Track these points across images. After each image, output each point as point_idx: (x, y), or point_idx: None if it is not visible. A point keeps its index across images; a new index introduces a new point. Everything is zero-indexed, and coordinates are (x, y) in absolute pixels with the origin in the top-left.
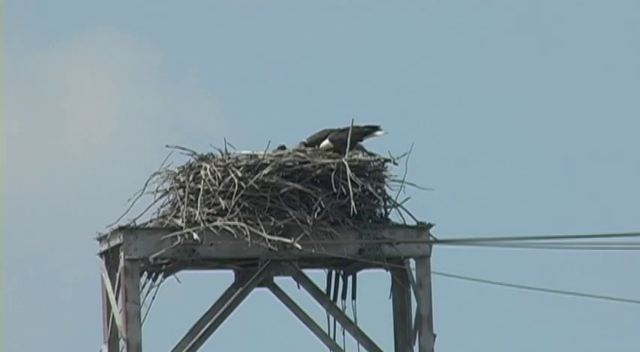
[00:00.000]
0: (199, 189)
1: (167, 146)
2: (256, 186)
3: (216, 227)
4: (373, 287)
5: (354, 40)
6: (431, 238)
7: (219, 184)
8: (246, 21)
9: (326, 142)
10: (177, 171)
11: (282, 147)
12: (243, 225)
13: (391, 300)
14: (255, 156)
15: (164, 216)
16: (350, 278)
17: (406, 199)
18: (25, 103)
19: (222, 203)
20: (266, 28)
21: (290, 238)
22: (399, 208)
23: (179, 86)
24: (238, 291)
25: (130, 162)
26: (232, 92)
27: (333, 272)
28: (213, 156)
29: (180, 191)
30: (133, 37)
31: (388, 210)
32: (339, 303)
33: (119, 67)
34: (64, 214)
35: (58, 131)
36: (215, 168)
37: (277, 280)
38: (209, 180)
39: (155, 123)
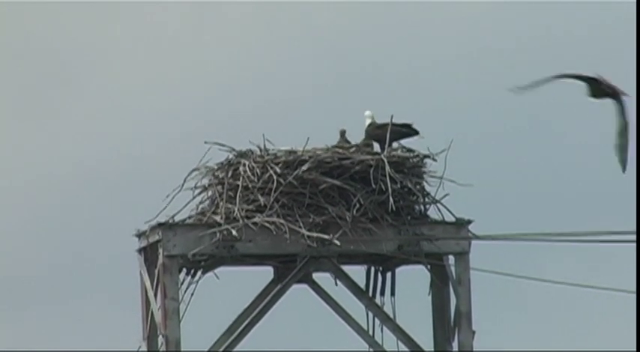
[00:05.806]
0: (238, 186)
1: (206, 142)
2: (295, 183)
3: (254, 223)
4: (412, 283)
5: (392, 39)
6: (470, 234)
7: (258, 180)
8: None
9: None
10: (215, 167)
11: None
12: (282, 221)
13: (430, 297)
14: (294, 152)
15: (203, 213)
16: (389, 274)
17: (445, 195)
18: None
19: (261, 199)
20: (310, 27)
21: (329, 234)
22: (438, 204)
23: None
24: (277, 287)
25: (169, 158)
26: (271, 88)
27: (372, 269)
28: (252, 153)
29: (219, 187)
30: None
31: (427, 206)
32: (377, 300)
33: (155, 65)
34: (102, 210)
35: (96, 128)
36: (254, 165)
37: (316, 276)
38: (248, 177)
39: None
